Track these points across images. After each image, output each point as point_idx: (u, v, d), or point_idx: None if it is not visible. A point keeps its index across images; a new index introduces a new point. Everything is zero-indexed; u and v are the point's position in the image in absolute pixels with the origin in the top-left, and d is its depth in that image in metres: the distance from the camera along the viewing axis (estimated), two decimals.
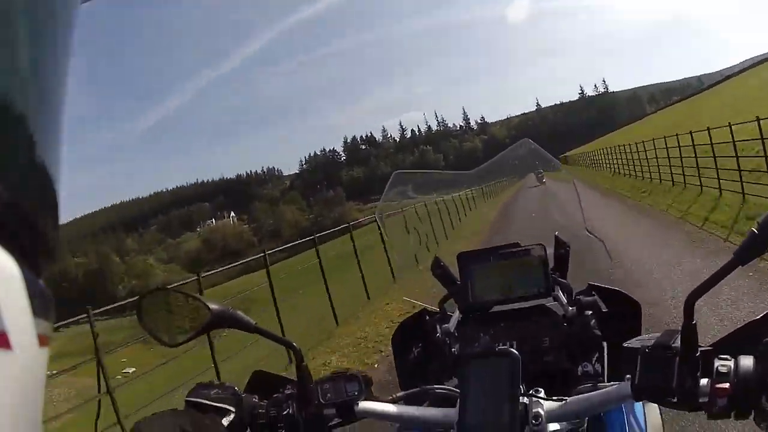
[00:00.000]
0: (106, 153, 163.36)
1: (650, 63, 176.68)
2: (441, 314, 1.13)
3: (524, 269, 1.07)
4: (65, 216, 0.35)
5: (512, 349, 0.75)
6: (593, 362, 0.97)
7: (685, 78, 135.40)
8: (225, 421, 0.77)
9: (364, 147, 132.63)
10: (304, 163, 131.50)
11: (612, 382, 0.76)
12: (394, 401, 0.84)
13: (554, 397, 0.73)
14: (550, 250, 1.15)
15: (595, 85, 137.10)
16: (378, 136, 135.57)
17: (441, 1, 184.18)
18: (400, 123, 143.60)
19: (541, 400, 0.72)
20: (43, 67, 0.26)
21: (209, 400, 0.79)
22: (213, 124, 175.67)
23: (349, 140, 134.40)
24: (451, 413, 0.75)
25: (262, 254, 6.86)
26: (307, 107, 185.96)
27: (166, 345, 0.81)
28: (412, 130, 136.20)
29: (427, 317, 1.13)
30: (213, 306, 0.78)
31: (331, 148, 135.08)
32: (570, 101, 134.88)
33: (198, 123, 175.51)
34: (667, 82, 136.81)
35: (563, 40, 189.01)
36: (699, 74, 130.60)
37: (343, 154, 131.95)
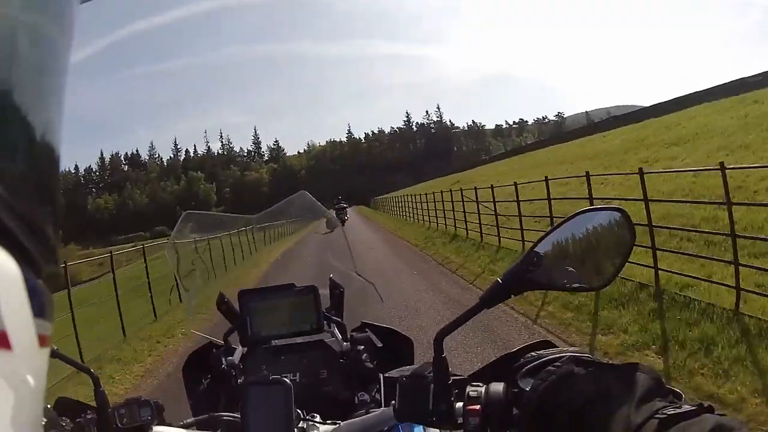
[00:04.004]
0: None
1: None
2: (226, 347, 1.19)
3: (297, 307, 1.15)
4: None
5: (285, 378, 0.80)
6: (372, 392, 1.05)
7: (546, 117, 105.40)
8: None
9: (125, 168, 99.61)
10: None
11: (381, 408, 0.85)
12: (185, 427, 0.88)
13: (329, 422, 0.82)
14: (325, 291, 1.26)
15: (427, 111, 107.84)
16: (144, 155, 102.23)
17: (262, 35, 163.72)
18: (175, 141, 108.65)
19: (317, 424, 0.81)
20: (43, 66, 0.26)
21: None
22: None
23: (107, 157, 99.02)
24: None
25: None
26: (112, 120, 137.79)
27: None
28: (186, 150, 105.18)
29: (214, 350, 1.18)
30: None
31: (87, 165, 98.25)
32: (396, 129, 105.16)
33: None
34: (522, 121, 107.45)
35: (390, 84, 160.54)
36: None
37: (97, 174, 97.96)
